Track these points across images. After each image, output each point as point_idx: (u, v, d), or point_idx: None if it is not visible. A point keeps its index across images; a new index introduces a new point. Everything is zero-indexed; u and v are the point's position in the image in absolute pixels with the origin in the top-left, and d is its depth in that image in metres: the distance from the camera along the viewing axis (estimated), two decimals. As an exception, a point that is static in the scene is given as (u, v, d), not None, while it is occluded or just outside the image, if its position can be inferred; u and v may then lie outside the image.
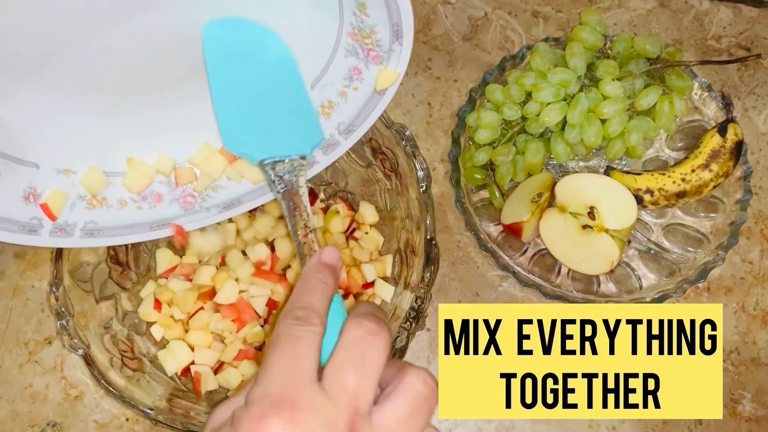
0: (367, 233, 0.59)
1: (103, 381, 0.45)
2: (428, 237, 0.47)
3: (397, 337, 0.46)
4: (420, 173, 0.47)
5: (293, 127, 0.41)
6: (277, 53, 0.43)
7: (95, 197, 0.47)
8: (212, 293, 0.54)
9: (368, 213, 0.58)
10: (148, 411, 0.45)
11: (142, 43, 0.40)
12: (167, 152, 0.49)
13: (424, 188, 0.47)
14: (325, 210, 0.60)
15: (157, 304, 0.55)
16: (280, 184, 0.39)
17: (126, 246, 0.55)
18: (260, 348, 0.55)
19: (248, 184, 0.51)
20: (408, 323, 0.45)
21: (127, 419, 0.59)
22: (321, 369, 0.29)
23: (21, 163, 0.42)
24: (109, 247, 0.53)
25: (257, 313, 0.55)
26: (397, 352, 0.45)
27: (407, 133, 0.48)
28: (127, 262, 0.55)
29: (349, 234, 0.59)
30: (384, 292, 0.56)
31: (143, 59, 0.42)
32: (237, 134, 0.39)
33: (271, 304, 0.55)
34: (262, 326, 0.55)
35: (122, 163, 0.48)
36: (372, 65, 0.45)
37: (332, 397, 0.28)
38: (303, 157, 0.40)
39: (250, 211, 0.58)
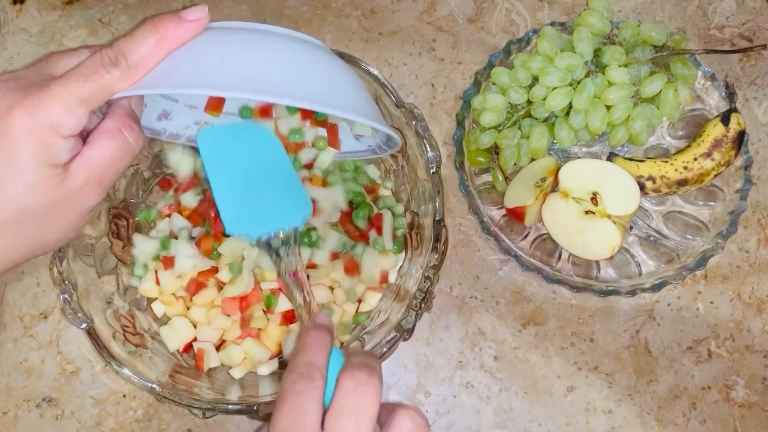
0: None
1: (107, 355, 0.44)
2: (437, 218, 0.47)
3: (405, 318, 0.46)
4: (430, 154, 0.47)
5: (284, 203, 0.46)
6: (262, 138, 0.49)
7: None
8: (214, 270, 0.54)
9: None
10: (153, 386, 0.44)
11: None
12: None
13: (434, 169, 0.47)
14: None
15: (158, 281, 0.54)
16: (281, 263, 0.44)
17: (127, 221, 0.54)
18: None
19: None
20: (416, 304, 0.45)
21: (124, 396, 0.58)
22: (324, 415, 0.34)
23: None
24: (110, 222, 0.53)
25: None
26: (405, 332, 0.45)
27: (418, 113, 0.48)
28: (128, 237, 0.54)
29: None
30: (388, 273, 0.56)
31: None
32: (236, 219, 0.44)
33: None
34: (264, 312, 0.55)
35: None
36: None
37: None
38: (296, 229, 0.45)
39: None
